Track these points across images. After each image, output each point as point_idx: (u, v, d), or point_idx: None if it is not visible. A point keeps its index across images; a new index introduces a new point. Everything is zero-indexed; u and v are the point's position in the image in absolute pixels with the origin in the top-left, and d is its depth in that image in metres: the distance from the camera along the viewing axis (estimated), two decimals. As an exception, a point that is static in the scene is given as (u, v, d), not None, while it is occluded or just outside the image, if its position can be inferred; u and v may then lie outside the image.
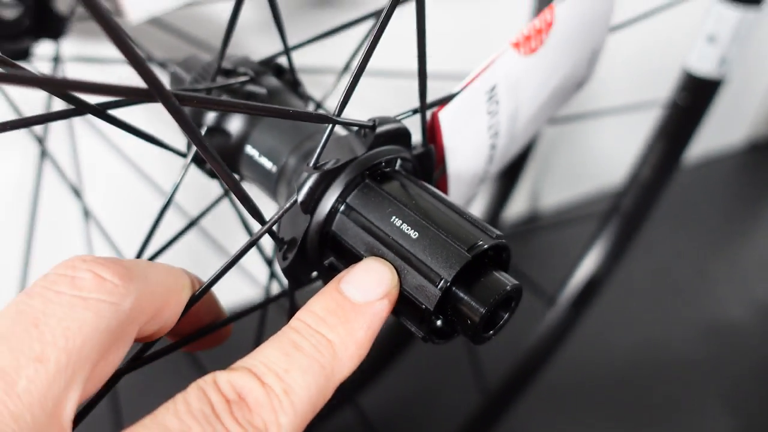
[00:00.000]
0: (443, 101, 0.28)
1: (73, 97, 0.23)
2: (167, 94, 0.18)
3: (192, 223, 0.30)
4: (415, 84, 0.26)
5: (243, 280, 0.68)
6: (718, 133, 1.01)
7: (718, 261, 0.85)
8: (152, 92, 0.18)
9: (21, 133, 0.52)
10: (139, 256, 0.29)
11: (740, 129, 1.08)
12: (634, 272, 0.66)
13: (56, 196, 0.57)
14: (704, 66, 0.54)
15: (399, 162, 0.26)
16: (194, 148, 0.29)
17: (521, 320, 0.66)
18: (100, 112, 0.24)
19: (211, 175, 0.30)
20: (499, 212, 0.75)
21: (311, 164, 0.24)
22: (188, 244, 0.65)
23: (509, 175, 0.72)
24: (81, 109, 0.23)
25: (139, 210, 0.54)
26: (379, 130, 0.25)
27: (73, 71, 0.50)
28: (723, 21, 0.52)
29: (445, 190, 0.32)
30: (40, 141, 0.45)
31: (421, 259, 0.23)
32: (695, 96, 0.56)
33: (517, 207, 0.92)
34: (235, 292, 0.74)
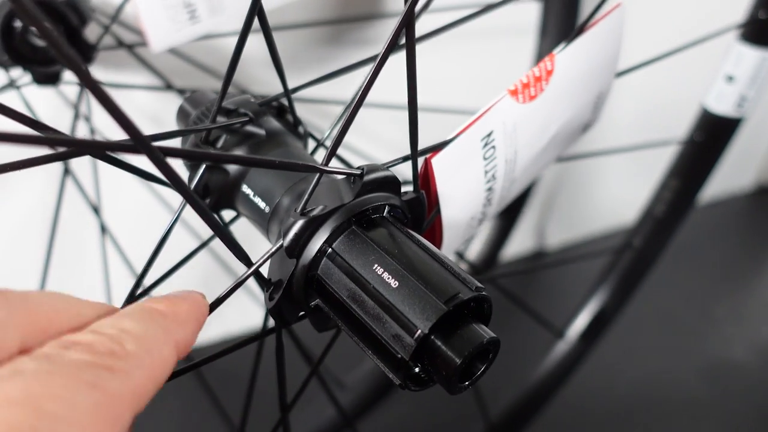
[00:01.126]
0: (436, 148, 0.29)
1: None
2: (151, 148, 0.19)
3: (187, 258, 0.31)
4: (423, 117, 0.27)
5: (254, 302, 0.69)
6: (726, 175, 1.00)
7: (722, 302, 0.84)
8: (138, 147, 0.19)
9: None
10: (138, 282, 0.30)
11: (748, 172, 1.07)
12: (639, 309, 0.66)
13: (76, 212, 0.59)
14: (722, 105, 0.53)
15: (387, 209, 0.26)
16: (194, 182, 0.29)
17: (526, 352, 0.66)
18: (102, 155, 0.25)
19: (211, 209, 0.31)
20: (499, 249, 0.75)
21: (299, 210, 0.25)
22: (202, 263, 0.67)
23: (509, 212, 0.72)
24: (80, 150, 0.24)
25: (155, 228, 0.55)
26: (367, 178, 0.25)
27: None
28: (743, 61, 0.51)
29: (439, 234, 0.32)
30: (65, 163, 0.47)
31: (400, 309, 0.23)
32: (712, 134, 0.56)
33: (522, 244, 0.92)
34: (244, 316, 0.76)
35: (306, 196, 0.24)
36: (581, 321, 0.62)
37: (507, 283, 0.83)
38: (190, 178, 0.30)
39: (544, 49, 0.62)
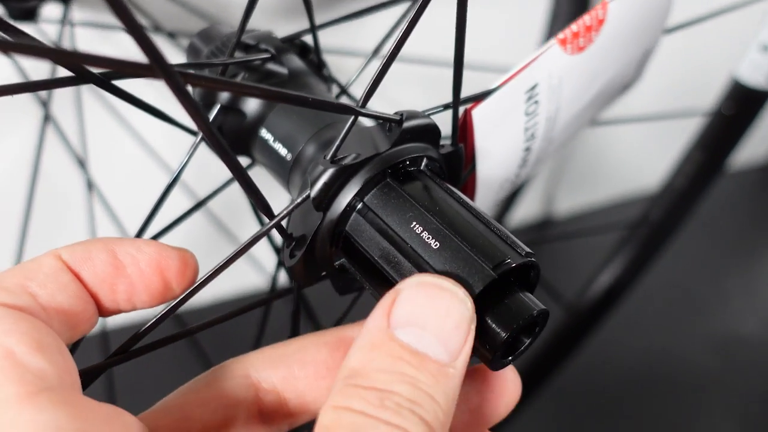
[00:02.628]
0: (478, 98, 0.26)
1: (76, 66, 0.21)
2: (171, 71, 0.16)
3: (198, 205, 0.29)
4: (444, 78, 0.24)
5: (251, 266, 0.66)
6: (742, 148, 0.98)
7: (734, 275, 0.83)
8: (154, 68, 0.16)
9: (30, 102, 0.50)
10: (139, 234, 0.27)
11: (765, 143, 1.04)
12: (648, 281, 0.64)
13: (59, 166, 0.55)
14: (755, 76, 0.51)
15: (425, 161, 0.23)
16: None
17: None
18: (104, 82, 0.22)
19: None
20: (504, 214, 0.72)
21: (328, 157, 0.22)
22: (203, 226, 0.64)
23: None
24: (83, 78, 0.21)
25: (145, 186, 0.51)
26: (406, 125, 0.22)
27: (80, 36, 0.48)
28: (781, 29, 0.49)
29: (471, 192, 0.29)
30: (44, 104, 0.44)
31: (440, 273, 0.21)
32: (742, 106, 0.53)
33: (530, 210, 0.89)
34: (242, 278, 0.73)
35: (337, 142, 0.22)
36: (591, 294, 0.60)
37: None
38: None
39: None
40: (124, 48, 0.53)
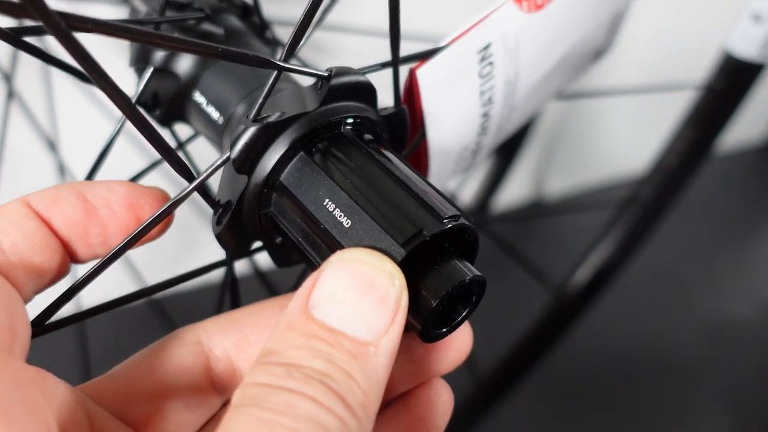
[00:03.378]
0: (423, 56, 0.24)
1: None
2: (49, 13, 0.15)
3: (155, 165, 0.27)
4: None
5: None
6: (735, 129, 0.96)
7: (725, 259, 0.81)
8: (29, 8, 0.15)
9: None
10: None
11: (759, 125, 1.01)
12: (638, 264, 0.62)
13: (27, 146, 0.54)
14: (747, 47, 0.49)
15: (354, 123, 0.22)
16: (140, 88, 0.25)
17: (518, 306, 0.63)
18: (12, 38, 0.21)
19: (160, 121, 0.27)
20: (492, 193, 0.70)
21: (251, 116, 0.20)
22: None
23: (504, 154, 0.67)
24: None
25: (120, 166, 0.50)
26: (335, 81, 0.21)
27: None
28: (773, -2, 0.47)
29: (424, 160, 0.28)
30: (8, 79, 0.42)
31: None
32: (734, 80, 0.51)
33: (519, 191, 0.87)
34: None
35: (260, 100, 0.20)
36: (580, 277, 0.59)
37: (501, 233, 0.79)
38: (138, 86, 0.26)
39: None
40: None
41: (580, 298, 0.59)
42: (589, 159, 0.89)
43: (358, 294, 0.18)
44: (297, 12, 0.20)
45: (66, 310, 0.21)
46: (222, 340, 0.22)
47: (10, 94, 0.42)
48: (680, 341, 0.70)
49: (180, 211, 0.21)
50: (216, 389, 0.22)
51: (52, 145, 0.47)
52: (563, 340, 0.60)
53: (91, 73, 0.16)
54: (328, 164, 0.21)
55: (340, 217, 0.20)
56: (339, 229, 0.20)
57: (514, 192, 0.86)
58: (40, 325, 0.20)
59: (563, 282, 0.59)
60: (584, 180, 0.91)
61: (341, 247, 0.19)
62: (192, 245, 0.68)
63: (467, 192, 0.77)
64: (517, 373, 0.61)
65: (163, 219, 0.20)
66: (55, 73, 0.50)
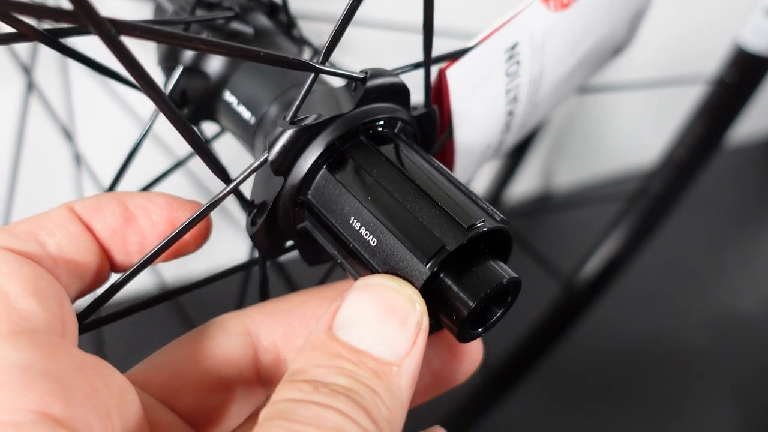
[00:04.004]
0: (453, 56, 0.24)
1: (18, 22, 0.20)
2: (99, 20, 0.15)
3: (179, 164, 0.27)
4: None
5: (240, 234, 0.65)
6: (744, 122, 0.96)
7: (733, 252, 0.81)
8: (80, 15, 0.15)
9: (13, 69, 0.49)
10: (112, 187, 0.26)
11: (765, 118, 1.01)
12: (646, 256, 0.63)
13: (46, 136, 0.54)
14: (759, 42, 0.49)
15: (384, 123, 0.22)
16: (169, 87, 0.25)
17: (529, 298, 0.63)
18: (49, 39, 0.21)
19: (190, 120, 0.27)
20: (503, 188, 0.71)
21: (288, 118, 0.21)
22: (185, 190, 0.62)
23: (516, 149, 0.67)
24: (23, 36, 0.20)
25: (140, 168, 0.50)
26: (371, 83, 0.21)
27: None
28: (786, -8, 0.47)
29: (450, 159, 0.28)
30: (27, 72, 0.42)
31: (384, 272, 0.20)
32: (746, 74, 0.51)
33: (529, 184, 0.87)
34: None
35: (297, 102, 0.20)
36: (589, 269, 0.59)
37: (514, 226, 0.80)
38: (166, 85, 0.26)
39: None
40: (116, 13, 0.52)
41: (589, 290, 0.60)
42: (600, 152, 0.89)
43: (380, 317, 0.18)
44: (324, 7, 0.20)
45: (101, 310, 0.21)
46: (270, 331, 0.22)
47: (30, 86, 0.42)
48: (688, 335, 0.71)
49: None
50: (261, 381, 0.23)
51: (69, 136, 0.47)
52: (572, 332, 0.61)
53: (138, 78, 0.16)
54: (352, 179, 0.21)
55: (366, 235, 0.20)
56: (366, 248, 0.20)
57: (524, 185, 0.86)
58: (83, 323, 0.20)
59: (572, 274, 0.59)
60: (594, 173, 0.91)
61: (371, 265, 0.20)
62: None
63: (478, 186, 0.77)
64: (526, 365, 0.61)
65: (199, 221, 0.20)
66: (72, 65, 0.50)
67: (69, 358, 0.16)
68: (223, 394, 0.21)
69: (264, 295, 0.26)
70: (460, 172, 0.29)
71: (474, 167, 0.31)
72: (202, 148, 0.19)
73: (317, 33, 0.53)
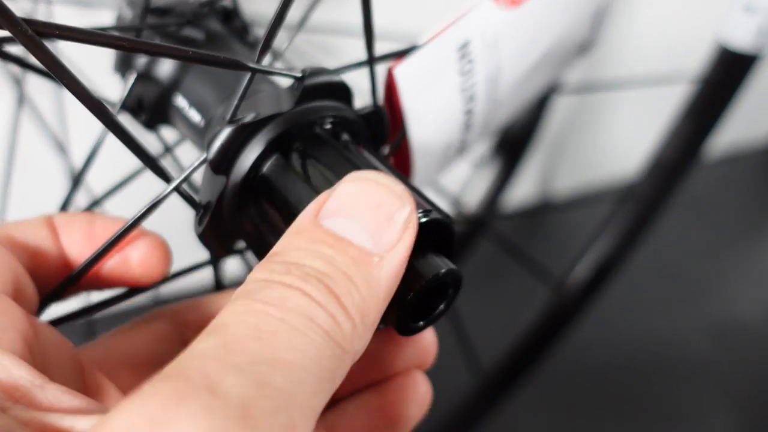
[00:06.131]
0: (399, 54, 0.25)
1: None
2: (15, 21, 0.15)
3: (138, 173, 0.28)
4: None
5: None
6: (741, 129, 0.95)
7: (732, 258, 0.80)
8: (-2, 18, 0.15)
9: (3, 80, 0.50)
10: (66, 202, 0.27)
11: (764, 124, 1.00)
12: (642, 263, 0.62)
13: (38, 150, 0.55)
14: (739, 38, 0.49)
15: (329, 121, 0.22)
16: (124, 93, 0.26)
17: (524, 304, 0.63)
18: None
19: (146, 125, 0.27)
20: (499, 194, 0.70)
21: (226, 118, 0.21)
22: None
23: (511, 155, 0.67)
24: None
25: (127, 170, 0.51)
26: (309, 81, 0.21)
27: (58, 12, 0.47)
28: (765, -12, 0.46)
29: (406, 158, 0.28)
30: (18, 83, 0.43)
31: None
32: (728, 72, 0.51)
33: (526, 191, 0.87)
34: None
35: (236, 101, 0.21)
36: (579, 273, 0.59)
37: (508, 232, 0.79)
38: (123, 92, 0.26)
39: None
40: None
41: (580, 294, 0.59)
42: (598, 157, 0.89)
43: (369, 210, 0.18)
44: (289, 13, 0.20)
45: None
46: (196, 317, 0.24)
47: (21, 99, 0.43)
48: (686, 341, 0.70)
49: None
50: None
51: (62, 149, 0.47)
52: (567, 337, 0.60)
53: (63, 78, 0.17)
54: (304, 167, 0.21)
55: None
56: None
57: (521, 191, 0.86)
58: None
59: (562, 278, 0.59)
60: (593, 178, 0.91)
61: None
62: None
63: (475, 192, 0.77)
64: (520, 371, 0.61)
65: (133, 228, 0.21)
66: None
67: (5, 305, 0.18)
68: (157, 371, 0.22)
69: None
70: (420, 170, 0.29)
71: (436, 166, 0.31)
72: (138, 149, 0.19)
73: (324, 45, 0.53)
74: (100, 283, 0.23)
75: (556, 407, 0.66)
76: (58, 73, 0.16)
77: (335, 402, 0.23)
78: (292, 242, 0.18)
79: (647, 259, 0.68)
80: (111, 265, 0.22)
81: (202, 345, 0.15)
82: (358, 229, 0.18)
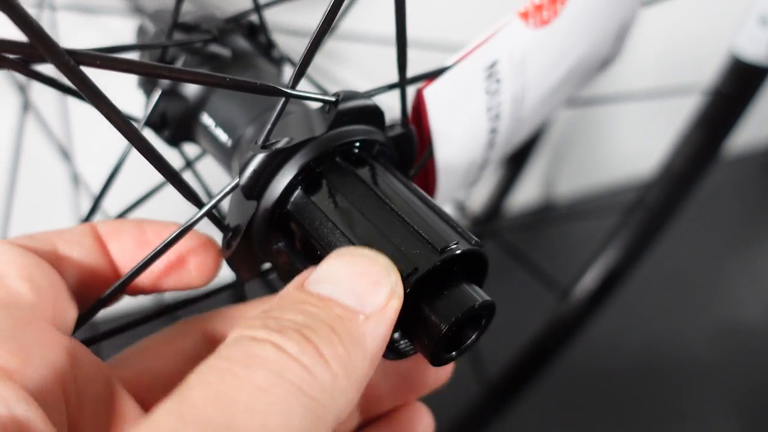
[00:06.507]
0: (430, 76, 0.24)
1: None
2: (58, 51, 0.15)
3: (148, 195, 0.27)
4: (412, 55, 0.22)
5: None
6: (745, 130, 0.94)
7: (736, 263, 0.81)
8: (37, 46, 0.15)
9: (8, 87, 0.49)
10: (93, 210, 0.27)
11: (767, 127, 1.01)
12: (647, 266, 0.62)
13: (43, 157, 0.54)
14: (753, 50, 0.48)
15: (359, 146, 0.22)
16: (148, 110, 0.25)
17: (529, 312, 0.63)
18: (20, 66, 0.21)
19: (169, 142, 0.27)
20: (503, 199, 0.70)
21: (259, 142, 0.20)
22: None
23: (515, 160, 0.67)
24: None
25: (133, 176, 0.51)
26: (343, 106, 0.21)
27: (62, 20, 0.47)
28: (780, 1, 0.46)
29: (432, 178, 0.28)
30: (23, 90, 0.43)
31: None
32: (741, 83, 0.51)
33: (529, 194, 0.87)
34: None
35: (268, 126, 0.20)
36: (587, 282, 0.59)
37: (512, 238, 0.79)
38: (146, 108, 0.26)
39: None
40: (113, 31, 0.52)
41: (587, 302, 0.59)
42: (602, 162, 0.89)
43: (353, 276, 0.18)
44: (306, 19, 0.20)
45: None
46: (222, 327, 0.23)
47: (26, 106, 0.43)
48: (691, 346, 0.70)
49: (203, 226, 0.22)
50: None
51: (66, 155, 0.47)
52: (572, 345, 0.60)
53: (101, 106, 0.16)
54: (325, 201, 0.21)
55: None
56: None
57: (523, 197, 0.86)
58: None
59: (570, 287, 0.59)
60: (597, 183, 0.91)
61: None
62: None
63: (479, 197, 0.77)
64: (526, 378, 0.61)
65: (171, 246, 0.20)
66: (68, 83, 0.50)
67: (41, 333, 0.17)
68: None
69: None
70: (444, 190, 0.29)
71: (459, 185, 0.30)
72: (170, 172, 0.19)
73: (336, 53, 0.53)
74: (154, 289, 0.22)
75: (561, 414, 0.66)
76: (95, 101, 0.16)
77: None
78: (274, 305, 0.17)
79: (650, 262, 0.68)
80: (164, 269, 0.22)
81: (158, 413, 0.14)
82: (344, 292, 0.17)
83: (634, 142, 0.88)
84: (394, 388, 0.23)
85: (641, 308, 0.73)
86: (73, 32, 0.50)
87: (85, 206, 0.52)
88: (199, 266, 0.22)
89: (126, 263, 0.21)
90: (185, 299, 0.23)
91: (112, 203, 0.30)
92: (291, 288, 0.18)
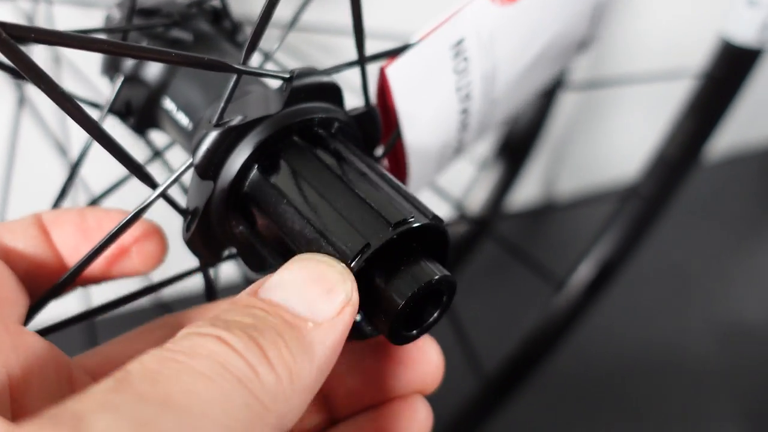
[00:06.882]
0: (392, 53, 0.24)
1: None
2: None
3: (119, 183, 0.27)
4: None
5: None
6: (747, 128, 0.93)
7: (738, 261, 0.80)
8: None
9: (4, 82, 0.49)
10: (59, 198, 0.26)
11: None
12: (648, 265, 0.61)
13: (39, 151, 0.54)
14: (743, 33, 0.48)
15: (317, 123, 0.22)
16: (112, 96, 0.25)
17: (527, 306, 0.62)
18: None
19: (135, 129, 0.26)
20: (502, 196, 0.70)
21: (213, 121, 0.20)
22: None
23: (514, 156, 0.67)
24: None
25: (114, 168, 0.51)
26: (298, 83, 0.21)
27: (59, 12, 0.46)
28: (768, -19, 0.46)
29: (402, 160, 0.28)
30: (18, 84, 0.43)
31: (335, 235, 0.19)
32: (732, 67, 0.50)
33: (530, 192, 0.87)
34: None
35: (222, 104, 0.20)
36: (582, 272, 0.58)
37: (511, 235, 0.79)
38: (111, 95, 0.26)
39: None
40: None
41: (583, 293, 0.59)
42: (598, 160, 0.88)
43: (306, 282, 0.18)
44: (278, 12, 0.20)
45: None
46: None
47: (22, 100, 0.43)
48: (691, 343, 0.69)
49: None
50: None
51: (62, 150, 0.47)
52: (570, 338, 0.60)
53: (40, 84, 0.16)
54: (283, 180, 0.20)
55: (296, 236, 0.20)
56: (298, 248, 0.20)
57: (521, 193, 0.86)
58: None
59: (566, 278, 0.58)
60: (598, 180, 0.90)
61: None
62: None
63: (479, 194, 0.76)
64: (523, 373, 0.60)
65: (124, 231, 0.20)
66: (66, 77, 0.50)
67: None
68: None
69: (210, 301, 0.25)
70: (416, 171, 0.29)
71: (433, 167, 0.30)
72: (122, 154, 0.19)
73: (325, 45, 0.53)
74: (99, 278, 0.22)
75: (558, 409, 0.65)
76: (34, 78, 0.16)
77: (333, 423, 0.23)
78: (225, 308, 0.17)
79: (651, 261, 0.68)
80: (108, 258, 0.22)
81: (94, 387, 0.14)
82: (295, 299, 0.17)
83: (633, 140, 0.87)
84: (366, 385, 0.23)
85: (641, 307, 0.72)
86: (70, 26, 0.50)
87: (81, 199, 0.52)
88: (140, 253, 0.22)
89: (68, 252, 0.21)
90: (146, 287, 0.23)
91: (113, 200, 0.30)
92: (244, 294, 0.18)
